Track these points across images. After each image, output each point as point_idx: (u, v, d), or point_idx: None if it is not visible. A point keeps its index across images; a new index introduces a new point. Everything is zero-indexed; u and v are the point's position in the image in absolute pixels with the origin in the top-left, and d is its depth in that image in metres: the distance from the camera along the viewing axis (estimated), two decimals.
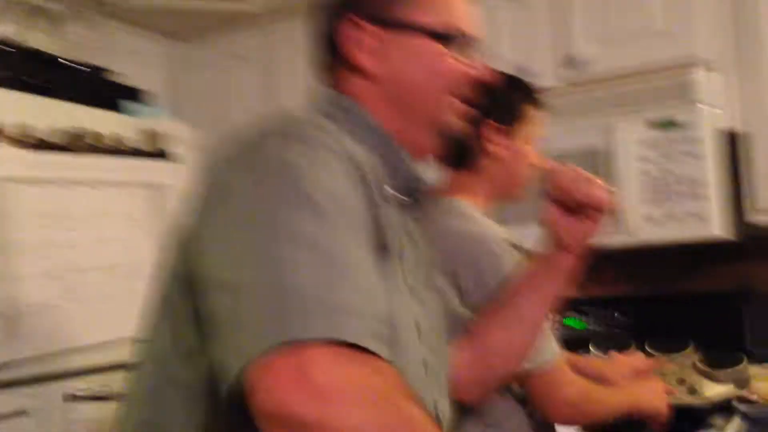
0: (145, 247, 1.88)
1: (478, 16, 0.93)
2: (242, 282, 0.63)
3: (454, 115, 0.90)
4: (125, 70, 2.19)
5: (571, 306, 2.13)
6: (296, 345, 0.58)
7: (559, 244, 1.09)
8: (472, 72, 0.90)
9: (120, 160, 1.86)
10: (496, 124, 1.31)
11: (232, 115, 2.50)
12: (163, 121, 2.04)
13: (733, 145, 1.82)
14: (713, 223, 1.77)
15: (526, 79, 1.42)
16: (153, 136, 1.92)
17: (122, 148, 1.86)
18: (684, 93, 1.80)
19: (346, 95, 0.88)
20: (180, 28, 2.56)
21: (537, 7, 2.04)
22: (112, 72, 2.10)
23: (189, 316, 0.73)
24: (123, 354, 1.73)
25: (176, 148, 2.01)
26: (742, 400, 1.74)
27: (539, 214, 1.12)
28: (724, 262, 2.08)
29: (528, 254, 1.24)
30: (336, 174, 0.70)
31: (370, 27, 0.86)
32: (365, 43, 0.86)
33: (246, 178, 0.70)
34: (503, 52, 2.06)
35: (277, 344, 0.58)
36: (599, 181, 1.06)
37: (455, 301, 1.18)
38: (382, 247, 0.75)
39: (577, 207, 1.06)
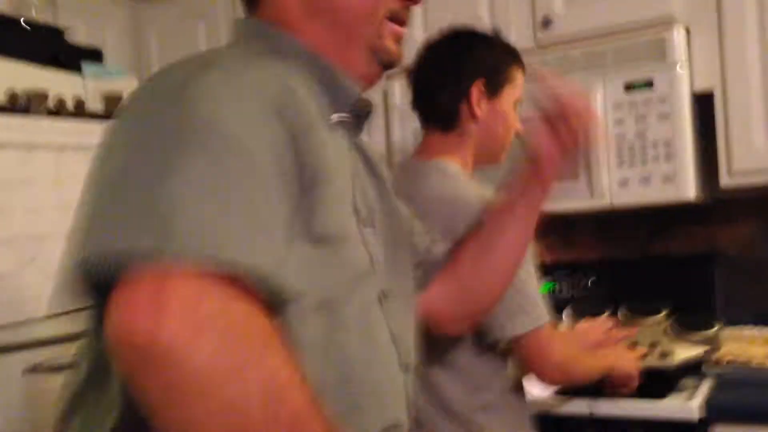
0: None
1: None
2: (123, 180, 0.60)
3: (389, 38, 0.85)
4: (84, 31, 2.10)
5: (544, 271, 2.13)
6: (166, 265, 0.54)
7: (536, 160, 1.08)
8: None
9: (81, 123, 1.79)
10: (483, 87, 1.30)
11: None
12: (125, 83, 1.96)
13: (709, 106, 1.80)
14: (688, 186, 1.76)
15: (507, 40, 1.40)
16: (115, 98, 1.85)
17: (84, 110, 1.78)
18: (659, 53, 1.78)
19: (275, 21, 0.83)
20: None
21: None
22: (70, 32, 2.00)
23: None
24: (84, 323, 1.70)
25: None
26: (713, 362, 1.76)
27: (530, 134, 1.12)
28: (695, 224, 2.09)
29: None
30: (248, 111, 0.65)
31: None
32: None
33: (150, 107, 0.66)
34: (479, 12, 2.02)
35: (146, 259, 0.54)
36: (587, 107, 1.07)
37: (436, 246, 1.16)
38: (310, 181, 0.69)
39: (558, 117, 1.06)
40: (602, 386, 1.45)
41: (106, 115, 1.86)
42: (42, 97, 1.69)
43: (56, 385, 1.60)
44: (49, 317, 1.62)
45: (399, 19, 0.86)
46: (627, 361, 1.47)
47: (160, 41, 2.53)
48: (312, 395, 0.59)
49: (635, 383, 1.45)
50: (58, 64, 1.82)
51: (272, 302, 0.61)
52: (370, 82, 0.88)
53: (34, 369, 1.59)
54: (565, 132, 1.06)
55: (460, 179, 1.29)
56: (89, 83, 1.90)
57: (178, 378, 0.53)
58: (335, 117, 0.80)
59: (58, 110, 1.73)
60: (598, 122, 1.08)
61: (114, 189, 0.61)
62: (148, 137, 0.62)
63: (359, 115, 0.86)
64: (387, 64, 0.87)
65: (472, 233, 1.14)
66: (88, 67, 1.91)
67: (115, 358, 0.55)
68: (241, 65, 0.70)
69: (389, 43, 0.85)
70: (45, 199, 1.70)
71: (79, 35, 2.07)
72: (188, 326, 0.53)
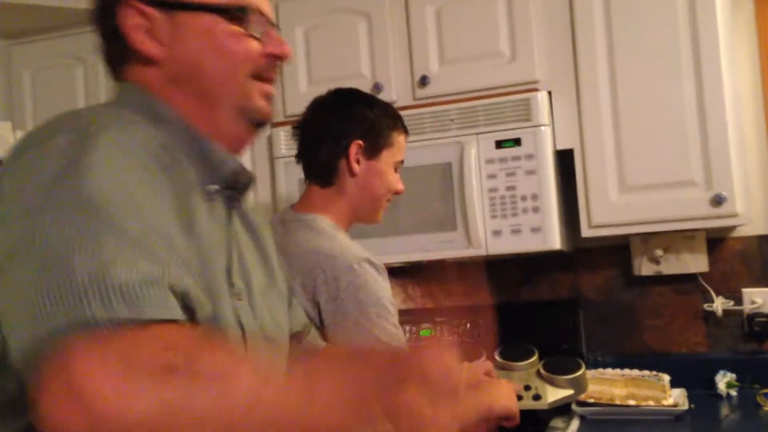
0: None
1: None
2: (13, 270, 0.60)
3: (257, 96, 0.86)
4: None
5: (425, 317, 2.19)
6: (62, 348, 0.54)
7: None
8: (269, 49, 0.86)
9: None
10: (363, 146, 1.35)
11: None
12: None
13: (570, 163, 1.96)
14: (552, 237, 1.89)
15: (380, 96, 1.47)
16: None
17: None
18: (525, 113, 1.92)
19: (141, 90, 0.83)
20: (7, 25, 2.36)
21: (385, 26, 2.09)
22: None
23: None
24: None
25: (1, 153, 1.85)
26: (580, 403, 1.87)
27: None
28: (561, 271, 2.23)
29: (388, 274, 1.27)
30: (123, 171, 0.66)
31: (151, 11, 0.81)
32: (149, 28, 0.81)
33: (26, 178, 0.65)
34: (362, 69, 2.10)
35: (44, 344, 0.55)
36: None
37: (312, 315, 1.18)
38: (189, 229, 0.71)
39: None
40: (485, 422, 1.47)
41: None
42: None
43: None
44: None
45: (265, 76, 0.86)
46: (507, 396, 1.48)
47: (33, 81, 2.44)
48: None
49: (517, 417, 1.48)
50: None
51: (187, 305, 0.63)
52: (243, 142, 0.88)
53: None
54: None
55: (327, 234, 1.31)
56: None
57: None
58: (211, 188, 0.80)
59: None
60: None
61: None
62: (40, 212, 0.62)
63: (236, 187, 0.86)
64: (258, 122, 0.87)
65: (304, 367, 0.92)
66: None
67: None
68: (124, 125, 0.71)
69: (257, 102, 0.85)
70: None
71: None
72: (110, 404, 0.53)
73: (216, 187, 0.82)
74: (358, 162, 1.36)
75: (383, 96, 1.94)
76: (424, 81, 2.05)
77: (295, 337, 1.02)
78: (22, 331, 0.58)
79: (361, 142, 1.36)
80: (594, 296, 2.21)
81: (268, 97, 0.87)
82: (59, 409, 0.53)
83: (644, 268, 2.12)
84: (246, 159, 2.12)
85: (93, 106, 0.83)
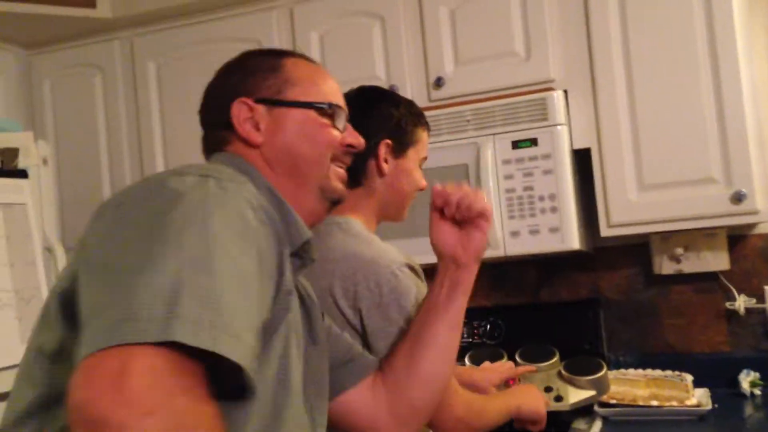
0: (4, 273, 1.73)
1: (339, 88, 1.07)
2: (112, 269, 0.66)
3: (334, 179, 1.02)
4: None
5: None
6: (126, 347, 0.59)
7: (454, 261, 1.14)
8: (347, 140, 1.03)
9: None
10: (391, 145, 1.34)
11: (84, 127, 2.40)
12: (13, 135, 1.89)
13: (588, 162, 1.94)
14: (571, 237, 1.88)
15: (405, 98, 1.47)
16: (4, 151, 1.78)
17: None
18: (541, 113, 1.91)
19: (239, 156, 0.97)
20: (25, 35, 2.40)
21: (399, 28, 2.10)
22: None
23: (59, 325, 0.74)
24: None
25: (29, 163, 1.87)
26: (603, 404, 1.85)
27: (431, 235, 1.17)
28: (579, 271, 2.22)
29: (424, 275, 1.27)
30: (245, 216, 0.75)
31: (258, 107, 0.98)
32: (255, 121, 0.97)
33: (147, 202, 0.73)
34: (377, 72, 2.11)
35: (108, 345, 0.59)
36: (479, 193, 1.14)
37: (356, 339, 1.18)
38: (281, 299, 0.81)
39: (464, 221, 1.14)
40: (512, 424, 1.46)
41: (1, 171, 1.79)
42: None
43: None
44: None
45: (341, 161, 1.04)
46: (534, 399, 1.48)
47: (53, 90, 2.47)
48: None
49: (544, 421, 1.48)
50: None
51: (234, 391, 0.68)
52: (318, 217, 1.03)
53: None
54: (475, 233, 1.14)
55: (363, 238, 1.31)
56: None
57: None
58: (288, 250, 0.89)
59: None
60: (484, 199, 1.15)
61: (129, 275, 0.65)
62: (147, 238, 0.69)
63: (302, 257, 0.95)
64: (334, 200, 1.03)
65: (410, 332, 1.15)
66: None
67: (71, 422, 0.58)
68: (229, 177, 0.80)
69: (335, 183, 1.02)
70: None
71: None
72: (141, 409, 0.56)
73: (291, 250, 0.91)
74: (386, 161, 1.35)
75: None
76: (439, 82, 2.05)
77: (343, 366, 1.12)
78: (100, 327, 0.62)
79: (389, 141, 1.35)
80: (614, 296, 2.20)
81: (342, 180, 1.04)
82: (101, 396, 0.56)
83: (665, 266, 2.10)
84: None
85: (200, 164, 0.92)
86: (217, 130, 1.00)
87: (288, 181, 0.98)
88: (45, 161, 1.92)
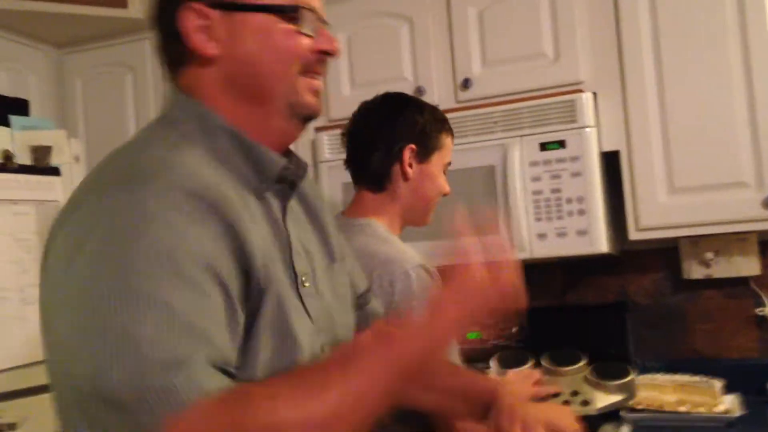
0: (21, 269, 1.77)
1: None
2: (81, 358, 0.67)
3: (305, 92, 0.88)
4: (7, 78, 2.05)
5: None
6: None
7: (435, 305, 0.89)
8: (319, 45, 0.88)
9: (4, 177, 1.74)
10: (415, 150, 1.35)
11: (115, 126, 2.43)
12: (46, 133, 1.92)
13: (616, 164, 1.93)
14: (599, 240, 1.86)
15: (423, 99, 1.47)
16: (36, 148, 1.81)
17: (13, 164, 1.74)
18: (570, 115, 1.90)
19: (195, 93, 0.86)
20: (57, 34, 2.43)
21: (427, 30, 2.10)
22: None
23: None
24: (11, 383, 1.62)
25: (62, 161, 1.90)
26: (630, 409, 1.84)
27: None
28: (606, 275, 2.20)
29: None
30: (179, 226, 0.71)
31: (210, 11, 0.84)
32: (207, 28, 0.84)
33: (87, 244, 0.71)
34: (404, 72, 2.11)
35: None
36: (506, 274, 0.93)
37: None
38: (246, 275, 0.76)
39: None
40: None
41: (34, 168, 1.82)
42: None
43: None
44: None
45: (314, 71, 0.89)
46: (562, 416, 1.41)
47: (85, 89, 2.50)
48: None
49: None
50: None
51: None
52: (291, 137, 0.91)
53: None
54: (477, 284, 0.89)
55: (382, 239, 1.32)
56: (9, 134, 1.86)
57: None
58: (264, 187, 0.86)
59: None
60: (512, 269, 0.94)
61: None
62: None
63: (287, 181, 0.90)
64: (306, 117, 0.90)
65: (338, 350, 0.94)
66: (15, 120, 1.87)
67: None
68: (169, 173, 0.75)
69: (307, 97, 0.88)
70: None
71: (1, 83, 2.02)
72: None
73: (268, 186, 0.87)
74: (411, 166, 1.36)
75: (425, 99, 1.94)
76: (466, 84, 2.05)
77: (362, 297, 1.08)
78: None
79: (413, 146, 1.36)
80: (642, 300, 2.17)
81: (317, 93, 0.90)
82: None
83: (694, 271, 2.08)
84: None
85: (145, 134, 0.87)
86: (168, 43, 0.88)
87: (251, 101, 0.86)
88: (77, 159, 1.95)
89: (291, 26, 0.86)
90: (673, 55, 1.87)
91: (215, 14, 0.84)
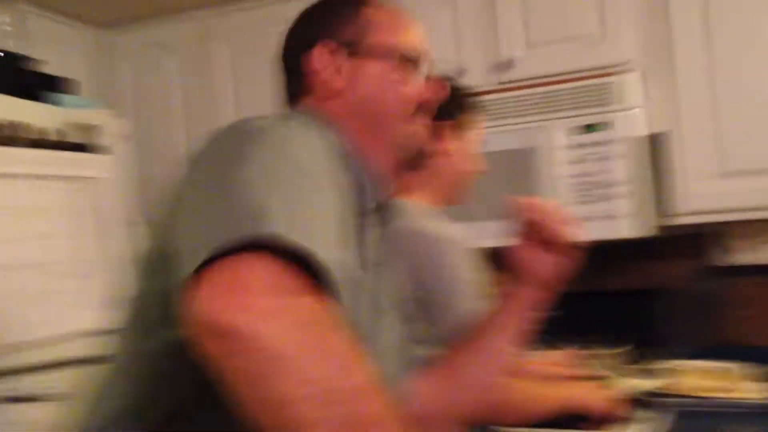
0: (72, 244, 1.83)
1: (424, 35, 1.00)
2: (209, 198, 0.66)
3: (413, 134, 0.97)
4: (45, 58, 2.10)
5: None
6: (236, 256, 0.59)
7: (528, 280, 1.08)
8: (429, 92, 0.97)
9: (43, 153, 1.78)
10: (444, 125, 1.36)
11: (161, 106, 2.47)
12: (88, 112, 1.98)
13: (656, 147, 1.89)
14: (637, 223, 1.84)
15: (463, 82, 1.47)
16: (79, 127, 1.86)
17: (45, 139, 1.77)
18: (607, 97, 1.87)
19: (319, 116, 0.92)
20: (101, 14, 2.48)
21: (469, 10, 2.08)
22: (32, 60, 2.00)
23: (156, 293, 0.73)
24: (54, 353, 1.69)
25: (103, 140, 1.96)
26: (665, 394, 1.82)
27: (508, 252, 1.09)
28: (646, 259, 2.17)
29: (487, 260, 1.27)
30: (328, 156, 0.75)
31: (342, 51, 0.93)
32: (337, 67, 0.93)
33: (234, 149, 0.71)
34: (438, 53, 2.09)
35: (213, 252, 0.59)
36: (570, 217, 1.06)
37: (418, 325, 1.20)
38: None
39: (548, 242, 1.05)
40: (580, 421, 1.46)
41: (67, 144, 1.87)
42: (25, 128, 1.70)
43: (30, 414, 1.59)
44: (15, 346, 1.61)
45: (426, 109, 0.98)
46: (590, 395, 1.47)
47: (122, 70, 2.55)
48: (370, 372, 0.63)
49: (601, 415, 1.45)
50: (18, 92, 1.81)
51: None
52: (396, 171, 0.98)
53: (7, 399, 1.58)
54: (557, 257, 1.06)
55: (425, 216, 1.33)
56: (51, 111, 1.89)
57: (259, 357, 0.56)
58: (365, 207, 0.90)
59: (17, 138, 1.73)
60: (575, 229, 1.05)
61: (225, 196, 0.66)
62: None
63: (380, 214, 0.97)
64: (407, 156, 0.98)
65: (470, 335, 1.13)
66: (64, 99, 1.92)
67: (198, 340, 0.58)
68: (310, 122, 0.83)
69: (412, 138, 0.97)
70: (7, 229, 1.70)
71: (48, 63, 2.08)
72: (265, 311, 0.57)
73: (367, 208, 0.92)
74: (448, 143, 1.37)
75: (466, 80, 1.93)
76: (509, 64, 2.03)
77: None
78: (201, 241, 0.62)
79: (451, 123, 1.36)
80: (679, 286, 2.14)
81: (420, 134, 0.98)
82: (225, 307, 0.57)
83: (737, 256, 2.04)
84: None
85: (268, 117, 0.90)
86: (295, 76, 0.96)
87: (367, 135, 0.93)
88: (124, 138, 2.00)
89: (407, 72, 0.95)
90: (724, 33, 1.82)
91: (343, 54, 0.93)
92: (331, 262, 0.62)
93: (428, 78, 0.98)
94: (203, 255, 0.59)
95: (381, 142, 0.94)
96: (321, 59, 0.93)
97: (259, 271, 0.59)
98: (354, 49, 0.93)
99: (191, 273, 0.59)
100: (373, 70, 0.93)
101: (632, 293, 2.18)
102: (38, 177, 1.75)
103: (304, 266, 0.61)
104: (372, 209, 0.93)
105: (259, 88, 2.28)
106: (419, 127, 0.98)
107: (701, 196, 1.85)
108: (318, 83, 0.94)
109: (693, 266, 2.14)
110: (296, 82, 0.96)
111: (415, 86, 0.96)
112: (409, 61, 0.95)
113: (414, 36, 0.98)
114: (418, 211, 1.34)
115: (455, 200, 1.44)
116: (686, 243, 2.12)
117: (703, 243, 2.11)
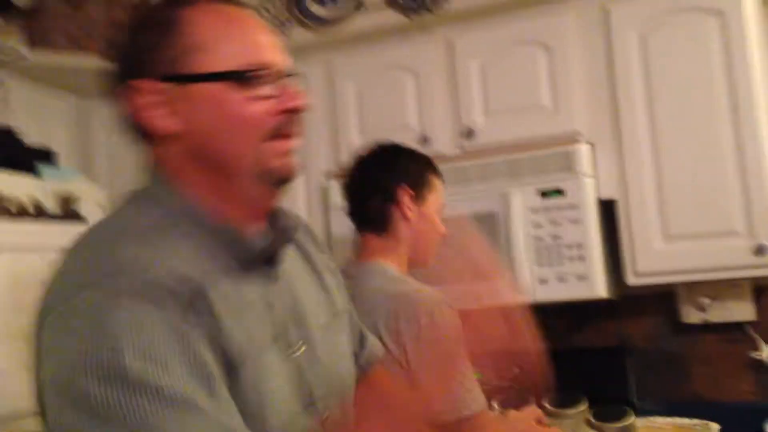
0: None
1: (273, 40, 0.85)
2: None
3: (273, 159, 0.82)
4: (28, 129, 2.14)
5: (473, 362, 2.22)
6: None
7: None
8: (282, 105, 0.82)
9: (30, 224, 1.81)
10: (410, 191, 1.43)
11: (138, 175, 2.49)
12: (73, 182, 2.01)
13: (608, 213, 2.00)
14: (598, 285, 1.93)
15: (428, 148, 1.55)
16: (63, 198, 1.89)
17: (31, 211, 1.81)
18: (568, 164, 1.98)
19: (165, 169, 0.82)
20: (85, 85, 2.53)
21: (437, 81, 2.19)
22: (16, 131, 2.04)
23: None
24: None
25: (88, 209, 1.98)
26: None
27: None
28: (607, 319, 2.26)
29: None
30: (153, 331, 0.69)
31: (161, 85, 0.79)
32: (163, 103, 0.79)
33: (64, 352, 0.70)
34: (410, 121, 2.20)
35: None
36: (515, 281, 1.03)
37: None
38: (226, 358, 0.75)
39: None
40: None
41: (54, 215, 1.90)
42: (6, 200, 1.72)
43: None
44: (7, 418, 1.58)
45: (283, 133, 0.83)
46: None
47: (105, 139, 2.56)
48: None
49: None
50: (13, 166, 1.84)
51: None
52: (266, 204, 0.86)
53: None
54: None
55: (401, 279, 1.39)
56: (36, 183, 1.92)
57: None
58: (240, 271, 0.81)
59: (20, 213, 1.76)
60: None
61: None
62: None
63: (273, 252, 0.86)
64: (278, 181, 0.84)
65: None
66: (43, 169, 1.95)
67: None
68: (134, 278, 0.72)
69: (275, 163, 0.82)
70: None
71: (27, 133, 2.11)
72: None
73: (248, 266, 0.83)
74: (409, 208, 1.44)
75: (430, 147, 2.03)
76: (469, 133, 2.13)
77: (362, 345, 1.09)
78: None
79: (409, 189, 1.44)
80: (642, 343, 2.23)
81: (287, 154, 0.84)
82: None
83: (691, 315, 2.13)
84: (302, 210, 2.23)
85: (120, 220, 0.83)
86: (131, 124, 0.83)
87: (218, 173, 0.81)
88: (101, 207, 2.03)
89: (246, 93, 0.80)
90: (666, 108, 1.95)
91: (168, 87, 0.79)
92: None
93: (282, 86, 0.83)
94: None
95: (235, 180, 0.81)
96: (139, 101, 0.80)
97: None
98: (174, 79, 0.79)
99: None
100: (203, 100, 0.79)
101: (595, 352, 2.25)
102: (19, 249, 1.76)
103: None
104: (266, 248, 0.84)
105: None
106: (280, 146, 0.83)
107: (649, 258, 1.95)
108: (148, 130, 0.81)
109: (654, 325, 2.22)
110: (134, 132, 0.84)
111: (258, 108, 0.80)
112: (246, 77, 0.80)
113: (248, 43, 0.82)
114: (389, 273, 1.40)
115: (420, 264, 1.50)
116: (647, 302, 2.21)
117: (664, 302, 2.19)
